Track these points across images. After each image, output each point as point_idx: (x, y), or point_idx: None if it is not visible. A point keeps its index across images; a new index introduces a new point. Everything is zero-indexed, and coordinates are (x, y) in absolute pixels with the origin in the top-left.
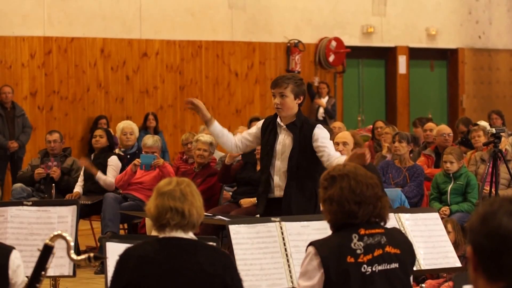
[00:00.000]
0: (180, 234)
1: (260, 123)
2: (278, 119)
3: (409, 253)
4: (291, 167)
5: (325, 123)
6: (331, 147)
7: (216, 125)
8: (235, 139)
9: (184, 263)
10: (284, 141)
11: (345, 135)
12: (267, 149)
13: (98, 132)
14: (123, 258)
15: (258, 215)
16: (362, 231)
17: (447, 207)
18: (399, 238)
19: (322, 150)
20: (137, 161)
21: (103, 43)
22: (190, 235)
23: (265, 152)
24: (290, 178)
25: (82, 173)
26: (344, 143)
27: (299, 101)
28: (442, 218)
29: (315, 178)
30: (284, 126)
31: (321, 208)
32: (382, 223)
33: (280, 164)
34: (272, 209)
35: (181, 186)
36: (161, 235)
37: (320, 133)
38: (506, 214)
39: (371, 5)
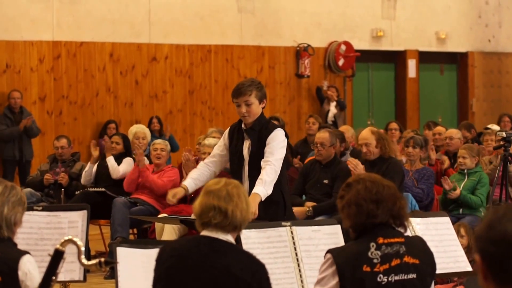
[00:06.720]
0: (218, 234)
1: (226, 133)
2: (243, 125)
3: (428, 263)
4: (251, 171)
5: (334, 126)
6: (271, 153)
7: (192, 186)
8: (208, 167)
9: (211, 262)
10: (248, 146)
11: (365, 136)
12: (237, 156)
13: (115, 138)
14: (162, 249)
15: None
16: (381, 240)
17: (458, 189)
18: (420, 248)
19: (265, 155)
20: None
21: (112, 47)
22: (229, 237)
23: (235, 158)
24: (252, 183)
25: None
26: (366, 144)
27: (263, 105)
28: (453, 201)
29: (279, 181)
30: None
31: (341, 216)
32: (402, 230)
33: (248, 169)
34: None
35: (228, 186)
36: (201, 233)
37: (273, 137)
38: (510, 221)
39: (381, 8)
